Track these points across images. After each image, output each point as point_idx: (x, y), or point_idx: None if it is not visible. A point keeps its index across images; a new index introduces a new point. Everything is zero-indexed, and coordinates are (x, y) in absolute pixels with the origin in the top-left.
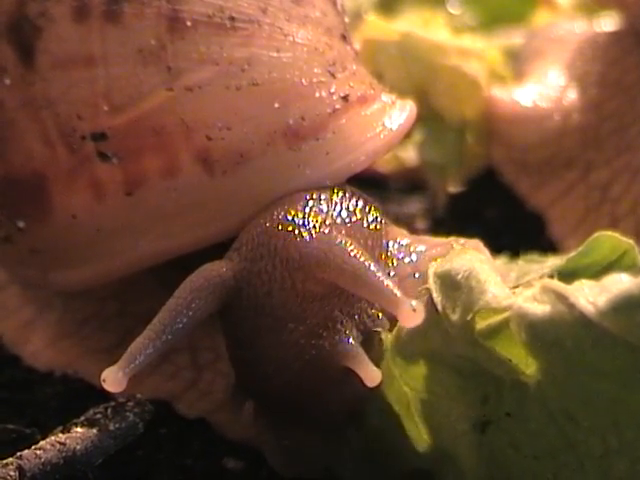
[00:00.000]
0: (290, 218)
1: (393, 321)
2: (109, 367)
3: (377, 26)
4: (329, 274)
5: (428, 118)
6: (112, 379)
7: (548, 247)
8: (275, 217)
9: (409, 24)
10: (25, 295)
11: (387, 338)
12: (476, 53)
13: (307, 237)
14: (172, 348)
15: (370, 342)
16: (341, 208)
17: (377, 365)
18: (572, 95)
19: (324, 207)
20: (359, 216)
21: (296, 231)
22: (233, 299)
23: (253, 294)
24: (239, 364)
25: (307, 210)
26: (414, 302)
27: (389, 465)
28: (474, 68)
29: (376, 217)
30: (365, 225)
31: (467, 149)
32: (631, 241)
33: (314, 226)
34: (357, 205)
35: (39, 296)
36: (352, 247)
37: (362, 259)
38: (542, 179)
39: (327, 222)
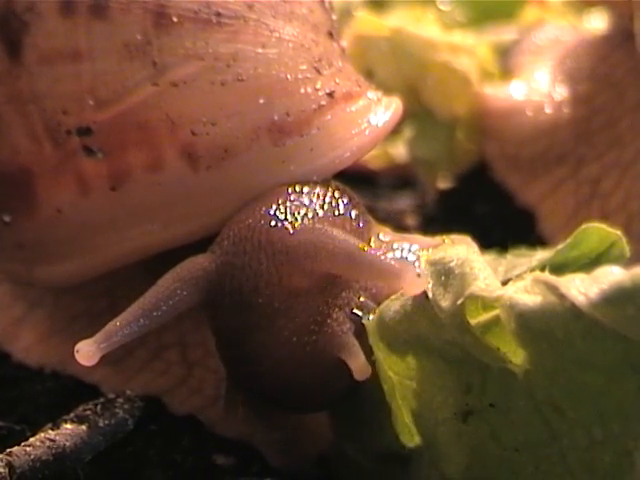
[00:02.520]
0: (272, 212)
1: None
2: (84, 340)
3: (368, 22)
4: (320, 264)
5: (418, 114)
6: (86, 351)
7: (538, 243)
8: (257, 212)
9: (400, 21)
10: (16, 292)
11: (369, 323)
12: (466, 49)
13: (291, 230)
14: (148, 333)
15: (361, 331)
16: (323, 202)
17: (368, 352)
18: (563, 90)
19: (306, 201)
20: (342, 211)
21: (279, 224)
22: (217, 294)
23: (238, 290)
24: (230, 363)
25: (289, 204)
26: (419, 270)
27: (371, 446)
28: (464, 64)
29: (359, 214)
30: (348, 220)
31: (457, 145)
32: (619, 232)
33: (296, 219)
34: (340, 200)
35: (30, 293)
36: (339, 232)
37: (352, 242)
38: (533, 175)
39: (310, 215)
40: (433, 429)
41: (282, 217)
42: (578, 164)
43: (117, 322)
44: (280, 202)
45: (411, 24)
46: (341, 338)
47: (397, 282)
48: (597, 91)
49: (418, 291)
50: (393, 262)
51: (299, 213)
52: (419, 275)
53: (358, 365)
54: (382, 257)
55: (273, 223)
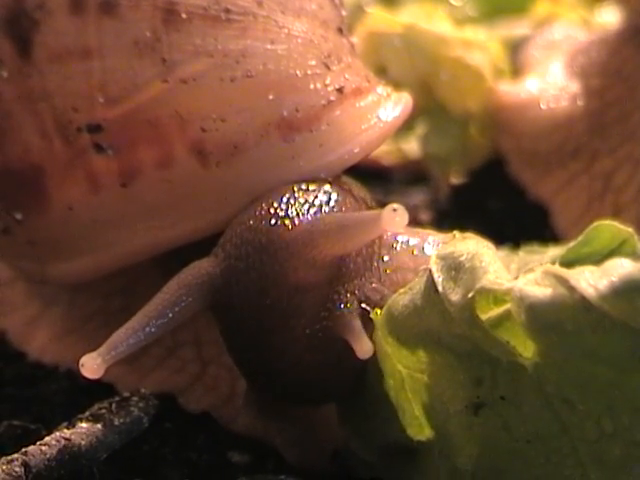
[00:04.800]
0: (273, 212)
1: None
2: (88, 353)
3: (381, 18)
4: (319, 248)
5: (432, 110)
6: (90, 365)
7: (551, 238)
8: (258, 213)
9: (411, 17)
10: (30, 291)
11: (377, 316)
12: (479, 44)
13: (290, 225)
14: (155, 340)
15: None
16: (329, 199)
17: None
18: (576, 83)
19: (310, 198)
20: (349, 206)
21: (279, 222)
22: (223, 299)
23: (245, 294)
24: (244, 365)
25: (292, 201)
26: (395, 205)
27: (376, 441)
28: (477, 59)
29: (368, 208)
30: None
31: (470, 141)
32: (630, 229)
33: (297, 214)
34: (348, 195)
35: (44, 292)
36: (331, 214)
37: (340, 214)
38: (547, 169)
39: (312, 211)
40: (444, 421)
41: (282, 215)
42: (592, 158)
43: (122, 332)
44: (282, 201)
45: (423, 20)
46: (346, 318)
47: (379, 225)
48: (609, 85)
49: (399, 227)
50: (369, 211)
51: (301, 209)
52: (395, 209)
53: (359, 343)
54: (362, 212)
55: (273, 222)
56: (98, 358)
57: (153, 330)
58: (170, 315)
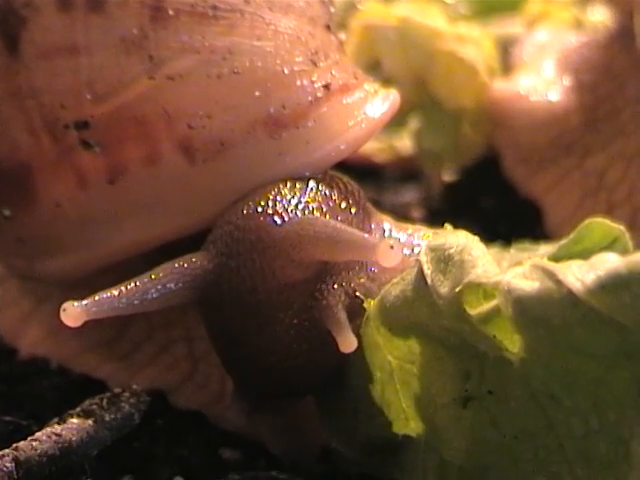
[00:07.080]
0: (260, 210)
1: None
2: (71, 301)
3: (375, 11)
4: (306, 252)
5: (425, 105)
6: (72, 311)
7: (544, 236)
8: (247, 211)
9: (405, 12)
10: (24, 288)
11: (369, 307)
12: (473, 40)
13: (279, 221)
14: (148, 337)
15: (358, 308)
16: (316, 194)
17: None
18: (569, 79)
19: (297, 194)
20: (336, 201)
21: (268, 220)
22: (213, 295)
23: (235, 292)
24: (234, 364)
25: (278, 198)
26: (391, 241)
27: (358, 437)
28: (471, 54)
29: (357, 201)
30: (343, 210)
31: (463, 137)
32: (622, 227)
33: (286, 210)
34: (335, 190)
35: (37, 289)
36: (322, 219)
37: (332, 224)
38: (540, 166)
39: (300, 207)
40: (433, 414)
41: (271, 213)
42: (585, 154)
43: (109, 293)
44: (270, 199)
45: (417, 15)
46: (332, 310)
47: (372, 254)
48: (600, 81)
49: (391, 263)
50: (369, 237)
51: (288, 206)
52: (392, 247)
53: (343, 337)
54: (360, 233)
55: (262, 219)
56: (79, 307)
57: (136, 303)
58: (155, 295)
